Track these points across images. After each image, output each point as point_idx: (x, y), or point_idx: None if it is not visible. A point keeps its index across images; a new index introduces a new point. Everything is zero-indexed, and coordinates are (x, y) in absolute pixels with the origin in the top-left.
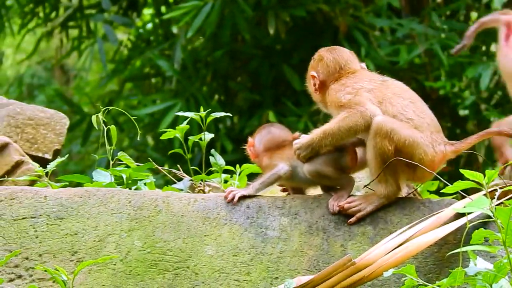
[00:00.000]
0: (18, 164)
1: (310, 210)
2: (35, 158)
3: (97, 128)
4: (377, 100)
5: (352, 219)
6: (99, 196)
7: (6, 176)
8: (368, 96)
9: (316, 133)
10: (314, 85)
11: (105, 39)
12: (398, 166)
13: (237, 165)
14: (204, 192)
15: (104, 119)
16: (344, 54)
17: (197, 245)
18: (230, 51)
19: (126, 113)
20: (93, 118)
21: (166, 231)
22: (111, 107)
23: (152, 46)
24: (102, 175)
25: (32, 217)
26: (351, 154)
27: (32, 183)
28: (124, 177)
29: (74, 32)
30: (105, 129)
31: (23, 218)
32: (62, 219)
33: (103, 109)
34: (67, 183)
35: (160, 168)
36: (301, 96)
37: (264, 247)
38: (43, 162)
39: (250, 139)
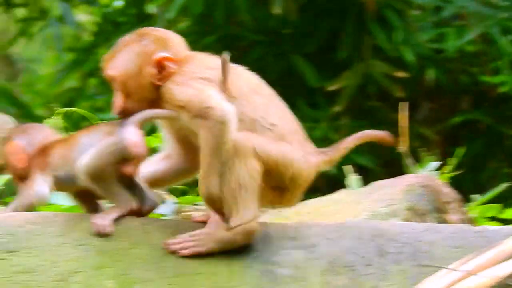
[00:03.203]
0: None
1: (331, 241)
2: None
3: None
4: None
5: (184, 252)
6: (59, 223)
7: None
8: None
9: None
10: (161, 70)
11: (61, 21)
12: (263, 191)
13: None
14: None
15: (63, 123)
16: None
17: (186, 286)
18: (225, 37)
19: (91, 115)
20: (47, 122)
21: (145, 269)
22: (71, 109)
23: (123, 30)
24: (62, 197)
25: None
26: (134, 138)
27: None
28: None
29: (21, 12)
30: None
31: None
32: (12, 252)
33: (59, 111)
34: None
35: None
36: (318, 95)
37: None
38: None
39: (13, 142)
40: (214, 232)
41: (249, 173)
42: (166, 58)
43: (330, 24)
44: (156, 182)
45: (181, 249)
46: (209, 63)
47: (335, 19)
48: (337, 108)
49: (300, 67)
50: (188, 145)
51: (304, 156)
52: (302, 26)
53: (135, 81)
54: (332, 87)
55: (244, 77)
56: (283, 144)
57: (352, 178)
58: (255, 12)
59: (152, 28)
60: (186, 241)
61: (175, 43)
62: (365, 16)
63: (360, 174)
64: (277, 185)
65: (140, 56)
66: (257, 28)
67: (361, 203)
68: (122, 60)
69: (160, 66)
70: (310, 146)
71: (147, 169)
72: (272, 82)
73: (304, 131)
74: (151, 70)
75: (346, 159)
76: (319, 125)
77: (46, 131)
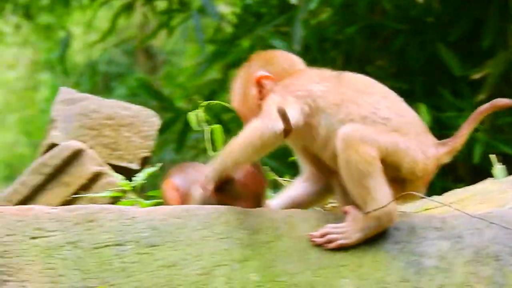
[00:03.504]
0: (95, 177)
1: (477, 231)
2: (117, 169)
3: (195, 128)
4: (333, 103)
5: (330, 245)
6: (202, 216)
7: (81, 191)
8: (296, 106)
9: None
10: (261, 89)
11: (202, 12)
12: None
13: None
14: None
15: (205, 116)
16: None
17: (331, 278)
18: (367, 27)
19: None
20: (190, 115)
21: (290, 261)
22: (213, 102)
23: (264, 21)
24: None
25: (117, 245)
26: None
27: (115, 200)
28: None
29: (162, 4)
30: (207, 129)
31: (106, 246)
32: (155, 246)
33: (201, 104)
34: (161, 200)
35: (279, 179)
36: (462, 84)
37: (419, 280)
38: (128, 174)
39: (170, 181)
40: (356, 222)
41: (364, 159)
42: (264, 77)
43: (474, 12)
44: (298, 205)
45: (327, 242)
46: (314, 77)
47: (479, 7)
48: (481, 97)
49: (443, 56)
50: (321, 165)
51: (421, 148)
52: (445, 14)
53: (246, 106)
54: (476, 76)
55: (349, 82)
56: (396, 135)
57: (497, 168)
58: (398, 0)
59: (263, 51)
60: (331, 234)
61: (280, 61)
62: (509, 4)
63: (505, 164)
64: (395, 177)
65: (245, 81)
66: (400, 17)
67: (507, 193)
68: (235, 89)
69: (260, 84)
70: (430, 138)
71: (288, 193)
72: (415, 71)
73: (423, 123)
74: (254, 91)
75: (491, 148)
76: (463, 114)
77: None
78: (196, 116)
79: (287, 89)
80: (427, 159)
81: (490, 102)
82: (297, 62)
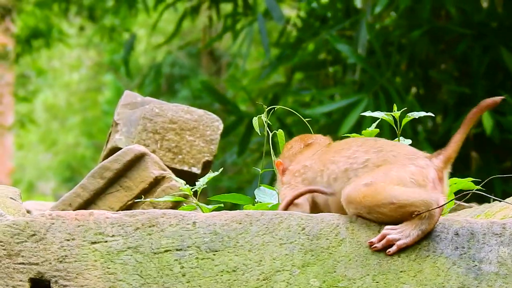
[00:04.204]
0: (157, 181)
1: None
2: (179, 173)
3: (259, 133)
4: (318, 170)
5: (392, 249)
6: (264, 221)
7: (142, 196)
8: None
9: None
10: (282, 175)
11: (267, 16)
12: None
13: None
14: None
15: (268, 121)
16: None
17: (391, 284)
18: (431, 31)
19: (296, 112)
20: (254, 120)
21: (351, 267)
22: (277, 106)
23: (329, 25)
24: (267, 195)
25: (177, 250)
26: None
27: (176, 205)
28: None
29: (227, 8)
30: (270, 134)
31: (166, 251)
32: (216, 251)
33: (267, 108)
34: (222, 205)
35: None
36: None
37: (478, 286)
38: (190, 178)
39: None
40: (411, 221)
41: (371, 199)
42: (278, 163)
43: None
44: None
45: (386, 245)
46: (309, 154)
47: None
48: None
49: (506, 60)
50: None
51: (410, 162)
52: (508, 19)
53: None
54: None
55: (331, 147)
56: (380, 168)
57: None
58: (462, 5)
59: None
60: (390, 234)
61: (293, 146)
62: None
63: None
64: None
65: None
66: (464, 21)
67: None
68: None
69: (279, 171)
70: (419, 153)
71: None
72: (479, 74)
73: (409, 149)
74: (279, 177)
75: None
76: None
77: None
78: (259, 121)
79: (291, 174)
80: (422, 168)
81: (477, 105)
82: (309, 140)
